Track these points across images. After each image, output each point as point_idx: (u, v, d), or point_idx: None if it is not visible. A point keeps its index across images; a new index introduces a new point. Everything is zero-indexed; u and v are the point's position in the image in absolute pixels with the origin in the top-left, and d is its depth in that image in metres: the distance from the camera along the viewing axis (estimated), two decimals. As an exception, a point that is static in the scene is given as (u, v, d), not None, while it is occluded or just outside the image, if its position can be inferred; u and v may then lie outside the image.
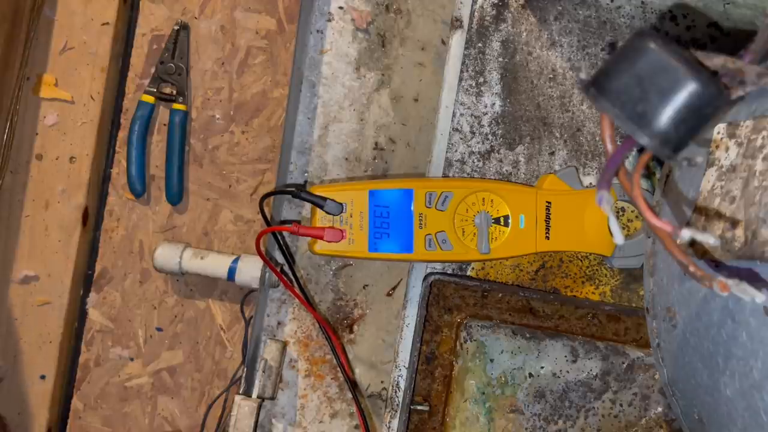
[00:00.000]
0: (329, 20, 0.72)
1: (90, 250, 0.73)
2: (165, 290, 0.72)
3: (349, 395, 0.71)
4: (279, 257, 0.70)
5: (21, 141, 0.71)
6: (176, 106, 0.71)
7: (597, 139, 0.68)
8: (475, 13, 0.68)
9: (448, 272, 0.67)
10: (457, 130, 0.67)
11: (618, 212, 0.68)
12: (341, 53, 0.72)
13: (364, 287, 0.71)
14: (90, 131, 0.71)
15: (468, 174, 0.67)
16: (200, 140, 0.72)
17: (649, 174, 0.69)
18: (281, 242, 0.69)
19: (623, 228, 0.68)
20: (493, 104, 0.68)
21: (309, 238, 0.63)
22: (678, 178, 0.51)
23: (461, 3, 0.67)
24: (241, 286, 0.69)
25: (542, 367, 0.67)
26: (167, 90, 0.71)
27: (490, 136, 0.68)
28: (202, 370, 0.72)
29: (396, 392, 0.66)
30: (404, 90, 0.72)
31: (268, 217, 0.70)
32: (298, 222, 0.71)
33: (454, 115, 0.67)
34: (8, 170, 0.70)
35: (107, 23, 0.71)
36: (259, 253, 0.64)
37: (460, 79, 0.67)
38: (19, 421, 0.70)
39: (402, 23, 0.72)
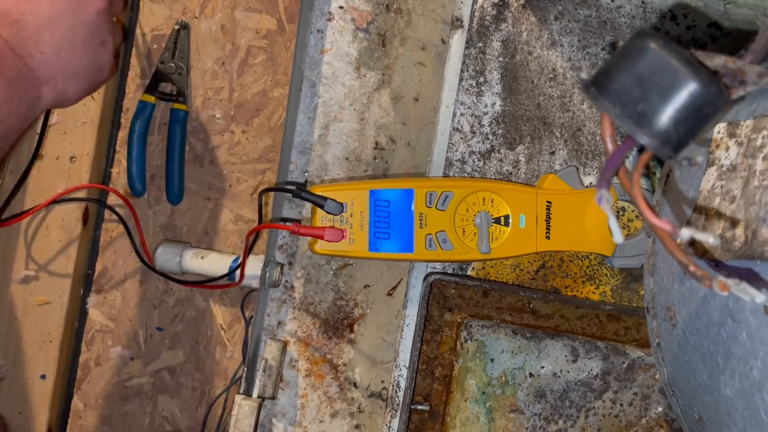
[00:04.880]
0: (329, 20, 0.72)
1: (90, 250, 0.73)
2: (165, 290, 0.72)
3: (350, 395, 0.71)
4: (279, 257, 0.70)
5: (21, 141, 0.71)
6: (176, 105, 0.71)
7: (597, 138, 0.68)
8: (476, 13, 0.68)
9: (449, 272, 0.67)
10: (457, 129, 0.67)
11: (618, 212, 0.68)
12: (341, 53, 0.72)
13: (364, 287, 0.71)
14: (90, 131, 0.71)
15: (468, 174, 0.68)
16: (200, 140, 0.72)
17: (649, 173, 0.69)
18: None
19: (623, 228, 0.68)
20: (494, 104, 0.68)
21: (309, 238, 0.63)
22: (678, 177, 0.51)
23: (462, 3, 0.67)
24: (241, 286, 0.69)
25: (542, 367, 0.67)
26: (167, 89, 0.71)
27: (490, 136, 0.68)
28: (202, 370, 0.72)
29: (396, 392, 0.66)
30: (404, 90, 0.72)
31: (269, 216, 0.70)
32: (299, 221, 0.71)
33: (454, 114, 0.67)
34: (8, 170, 0.70)
35: (107, 23, 0.71)
36: (246, 246, 0.64)
37: (461, 79, 0.67)
38: (19, 421, 0.70)
39: (402, 23, 0.72)
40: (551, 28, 0.68)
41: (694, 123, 0.35)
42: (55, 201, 0.69)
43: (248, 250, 0.67)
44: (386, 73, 0.72)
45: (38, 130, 0.71)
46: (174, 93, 0.71)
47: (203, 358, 0.72)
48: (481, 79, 0.68)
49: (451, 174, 0.67)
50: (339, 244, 0.62)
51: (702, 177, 0.46)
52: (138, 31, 0.72)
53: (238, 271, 0.67)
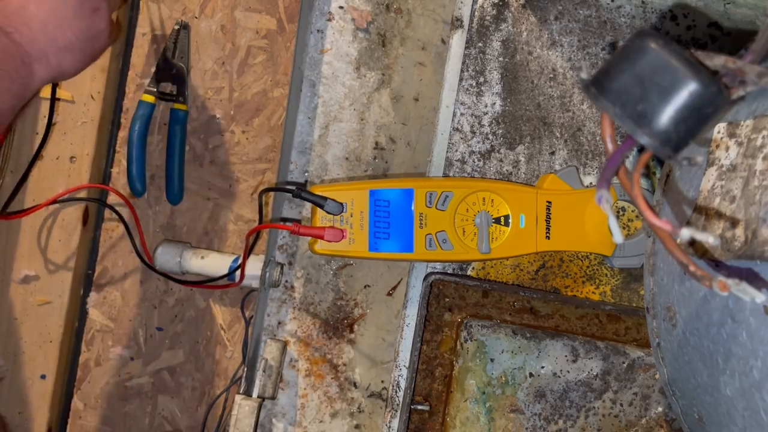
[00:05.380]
0: (329, 20, 0.72)
1: (90, 250, 0.73)
2: (165, 290, 0.72)
3: (350, 395, 0.71)
4: (279, 257, 0.70)
5: (21, 141, 0.71)
6: (176, 105, 0.71)
7: (597, 138, 0.68)
8: (476, 13, 0.68)
9: (449, 272, 0.67)
10: (457, 129, 0.67)
11: (618, 212, 0.68)
12: (341, 53, 0.72)
13: (364, 287, 0.71)
14: (90, 131, 0.71)
15: (468, 174, 0.68)
16: (200, 140, 0.72)
17: (649, 173, 0.69)
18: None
19: (623, 228, 0.68)
20: (494, 104, 0.68)
21: (309, 238, 0.63)
22: (678, 177, 0.51)
23: (462, 2, 0.67)
24: (241, 286, 0.69)
25: (542, 367, 0.67)
26: (167, 89, 0.71)
27: (490, 136, 0.68)
28: (202, 370, 0.72)
29: (396, 392, 0.66)
30: (404, 89, 0.72)
31: (269, 216, 0.70)
32: (299, 222, 0.71)
33: (454, 114, 0.67)
34: (8, 170, 0.70)
35: (107, 23, 0.71)
36: (246, 246, 0.64)
37: (461, 79, 0.67)
38: (19, 421, 0.70)
39: (402, 23, 0.72)
40: (551, 28, 0.68)
41: (694, 123, 0.35)
42: (55, 201, 0.69)
43: (248, 251, 0.67)
44: (386, 73, 0.72)
45: (38, 130, 0.71)
46: (174, 93, 0.71)
47: (203, 358, 0.72)
48: (481, 79, 0.68)
49: (451, 174, 0.67)
50: (339, 244, 0.62)
51: (702, 177, 0.46)
52: (138, 30, 0.72)
53: (238, 272, 0.67)
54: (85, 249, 0.72)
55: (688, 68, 0.35)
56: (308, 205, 0.69)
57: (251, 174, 0.72)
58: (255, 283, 0.68)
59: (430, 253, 0.63)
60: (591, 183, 0.68)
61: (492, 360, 0.66)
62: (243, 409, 0.64)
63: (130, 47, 0.72)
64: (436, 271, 0.67)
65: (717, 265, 0.43)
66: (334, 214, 0.62)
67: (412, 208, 0.63)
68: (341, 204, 0.62)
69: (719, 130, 0.45)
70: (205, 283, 0.69)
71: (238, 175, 0.72)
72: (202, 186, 0.72)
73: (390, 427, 0.66)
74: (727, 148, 0.44)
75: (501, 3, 0.68)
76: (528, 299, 0.66)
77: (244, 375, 0.67)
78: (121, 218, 0.70)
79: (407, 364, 0.66)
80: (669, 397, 0.53)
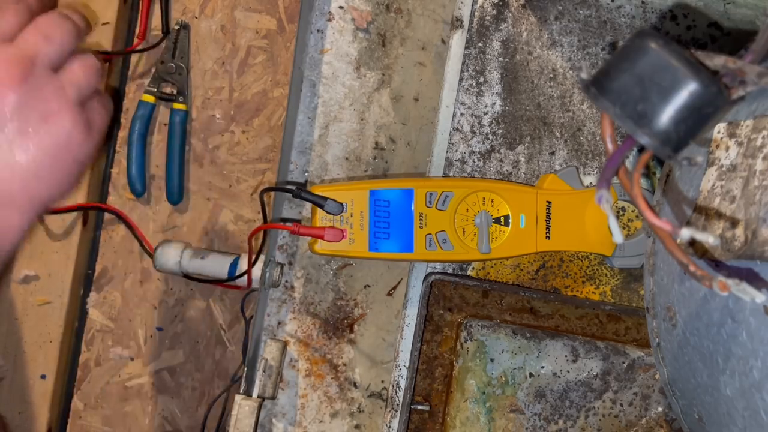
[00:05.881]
0: (329, 20, 0.72)
1: (90, 250, 0.73)
2: (165, 290, 0.72)
3: (350, 395, 0.71)
4: (279, 257, 0.70)
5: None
6: (176, 105, 0.71)
7: (597, 138, 0.68)
8: (476, 13, 0.68)
9: (449, 272, 0.67)
10: (457, 129, 0.67)
11: (618, 212, 0.68)
12: (341, 53, 0.72)
13: (364, 287, 0.71)
14: (90, 131, 0.71)
15: (468, 174, 0.68)
16: (200, 140, 0.72)
17: (649, 173, 0.69)
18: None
19: (623, 228, 0.68)
20: (494, 104, 0.68)
21: (309, 238, 0.63)
22: (678, 177, 0.51)
23: (462, 2, 0.67)
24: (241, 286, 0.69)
25: (542, 367, 0.67)
26: (167, 90, 0.71)
27: (490, 136, 0.68)
28: (202, 370, 0.72)
29: (396, 392, 0.66)
30: (404, 89, 0.72)
31: (270, 216, 0.70)
32: (299, 222, 0.71)
33: (454, 114, 0.67)
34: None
35: (107, 23, 0.71)
36: (249, 247, 0.64)
37: (461, 79, 0.67)
38: (19, 421, 0.70)
39: (402, 23, 0.72)
40: (551, 28, 0.68)
41: (694, 123, 0.35)
42: (70, 210, 0.69)
43: (259, 252, 0.66)
44: (386, 73, 0.72)
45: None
46: (174, 93, 0.71)
47: (203, 358, 0.72)
48: (481, 79, 0.68)
49: (451, 174, 0.67)
50: (339, 244, 0.62)
51: (702, 177, 0.46)
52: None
53: (239, 271, 0.67)
54: (85, 249, 0.72)
55: (688, 68, 0.35)
56: (308, 205, 0.69)
57: (251, 174, 0.72)
58: (255, 283, 0.68)
59: (430, 253, 0.63)
60: (591, 183, 0.68)
61: (492, 360, 0.66)
62: (243, 409, 0.64)
63: (130, 47, 0.72)
64: (436, 271, 0.67)
65: (717, 265, 0.43)
66: (334, 214, 0.62)
67: (412, 208, 0.63)
68: (341, 204, 0.62)
69: (719, 130, 0.45)
70: (219, 282, 0.69)
71: (238, 175, 0.72)
72: (202, 186, 0.72)
73: (390, 427, 0.66)
74: (727, 148, 0.44)
75: (501, 3, 0.68)
76: (528, 299, 0.66)
77: (244, 375, 0.67)
78: (121, 218, 0.70)
79: (407, 364, 0.66)
80: (669, 397, 0.53)
